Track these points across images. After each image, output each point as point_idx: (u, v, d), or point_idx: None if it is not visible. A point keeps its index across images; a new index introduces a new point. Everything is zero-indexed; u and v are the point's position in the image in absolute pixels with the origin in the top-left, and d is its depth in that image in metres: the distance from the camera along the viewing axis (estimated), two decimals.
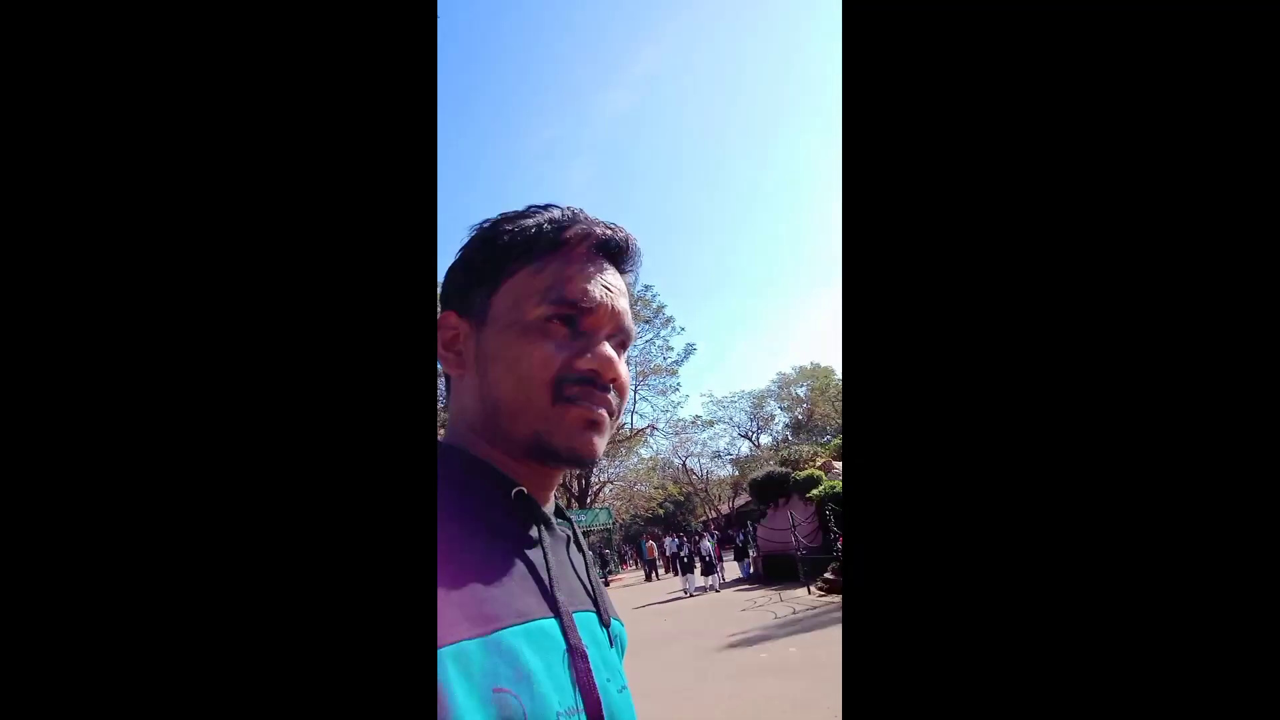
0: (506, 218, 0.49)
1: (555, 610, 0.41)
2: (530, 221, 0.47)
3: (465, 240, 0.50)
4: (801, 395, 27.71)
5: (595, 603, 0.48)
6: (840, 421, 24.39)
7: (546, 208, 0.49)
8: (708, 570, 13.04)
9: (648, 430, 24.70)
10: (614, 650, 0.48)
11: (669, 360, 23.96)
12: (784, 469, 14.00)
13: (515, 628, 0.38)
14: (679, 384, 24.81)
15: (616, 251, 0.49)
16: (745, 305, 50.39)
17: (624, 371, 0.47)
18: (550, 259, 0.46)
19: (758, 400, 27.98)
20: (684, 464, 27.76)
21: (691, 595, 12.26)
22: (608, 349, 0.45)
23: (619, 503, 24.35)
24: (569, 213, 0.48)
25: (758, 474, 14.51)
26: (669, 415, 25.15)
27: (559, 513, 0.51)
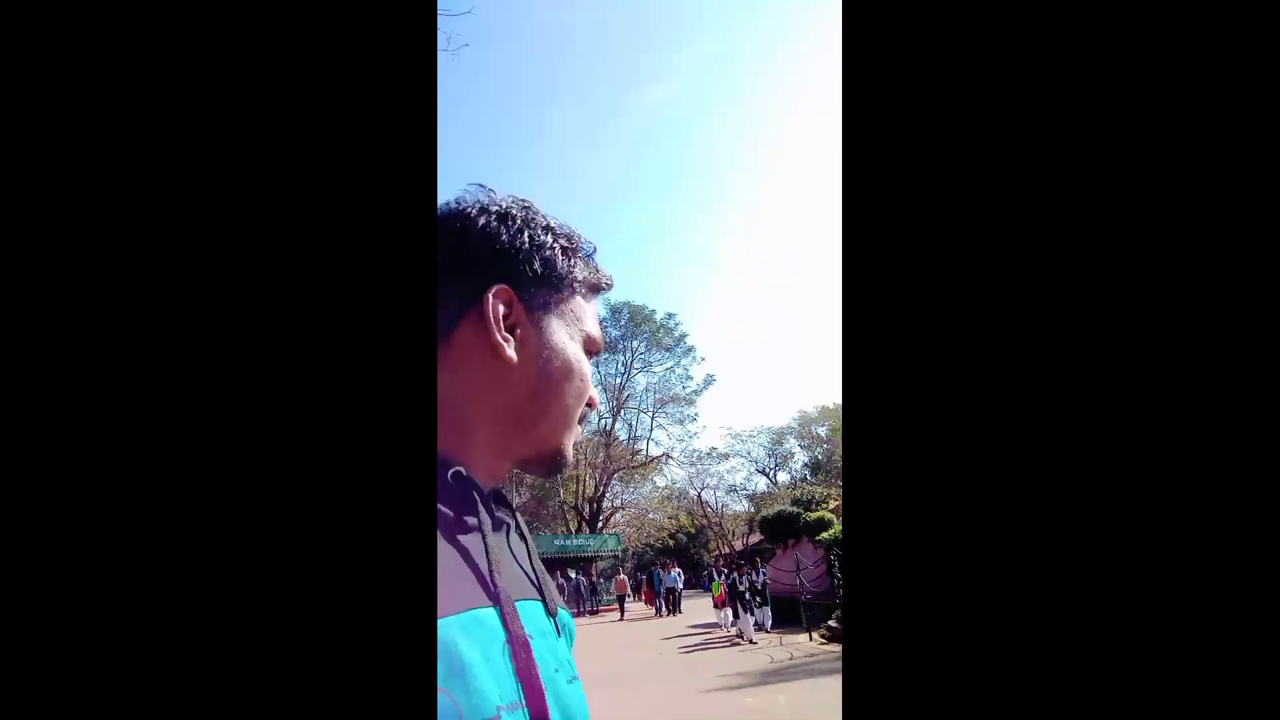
0: (562, 231, 0.50)
1: (495, 598, 0.39)
2: (580, 244, 0.51)
3: (511, 211, 0.48)
4: (822, 435, 27.21)
5: (540, 591, 0.47)
6: None
7: (570, 235, 0.50)
8: (746, 608, 10.29)
9: (662, 458, 24.52)
10: (562, 640, 0.47)
11: (688, 390, 23.91)
12: (795, 509, 13.71)
13: (449, 618, 0.36)
14: (697, 414, 24.73)
15: (599, 290, 0.54)
16: (769, 337, 50.10)
17: None
18: (587, 293, 0.51)
19: (777, 436, 27.58)
20: (699, 495, 27.41)
21: (751, 641, 9.59)
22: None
23: (630, 529, 24.09)
24: (590, 245, 0.53)
25: (769, 512, 14.24)
26: (685, 445, 24.97)
27: (498, 497, 0.49)
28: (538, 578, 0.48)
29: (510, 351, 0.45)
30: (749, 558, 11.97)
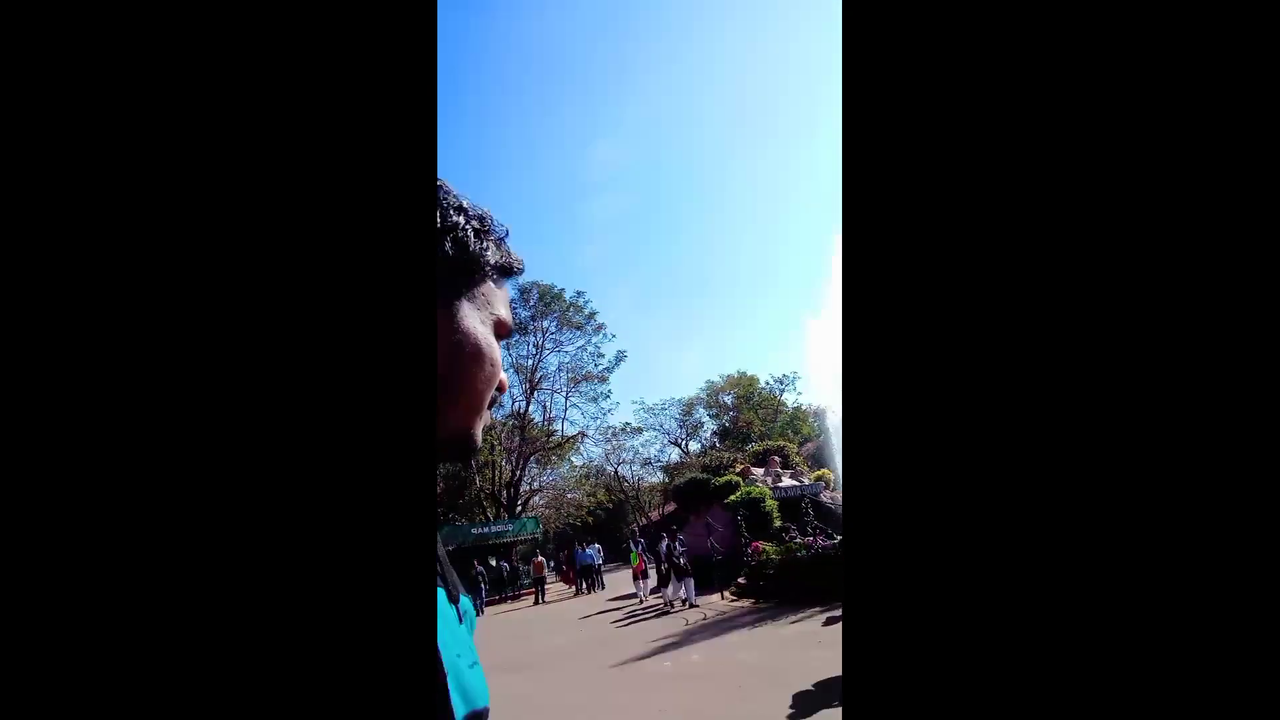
0: (474, 212, 0.50)
1: None
2: (492, 226, 0.51)
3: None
4: (729, 403, 28.41)
5: (443, 579, 0.48)
6: (762, 428, 25.13)
7: (482, 217, 0.51)
8: (680, 574, 10.16)
9: (579, 437, 24.61)
10: (463, 626, 0.49)
11: (600, 367, 24.03)
12: (705, 475, 14.33)
13: None
14: (609, 391, 24.93)
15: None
16: (680, 313, 51.23)
17: None
18: (498, 277, 0.52)
19: (687, 407, 28.46)
20: (616, 471, 27.84)
21: (693, 604, 9.61)
22: None
23: (549, 511, 24.09)
24: (503, 228, 0.52)
25: (681, 480, 14.78)
26: (599, 422, 25.17)
27: None
28: (440, 566, 0.50)
29: None
30: (666, 527, 12.30)
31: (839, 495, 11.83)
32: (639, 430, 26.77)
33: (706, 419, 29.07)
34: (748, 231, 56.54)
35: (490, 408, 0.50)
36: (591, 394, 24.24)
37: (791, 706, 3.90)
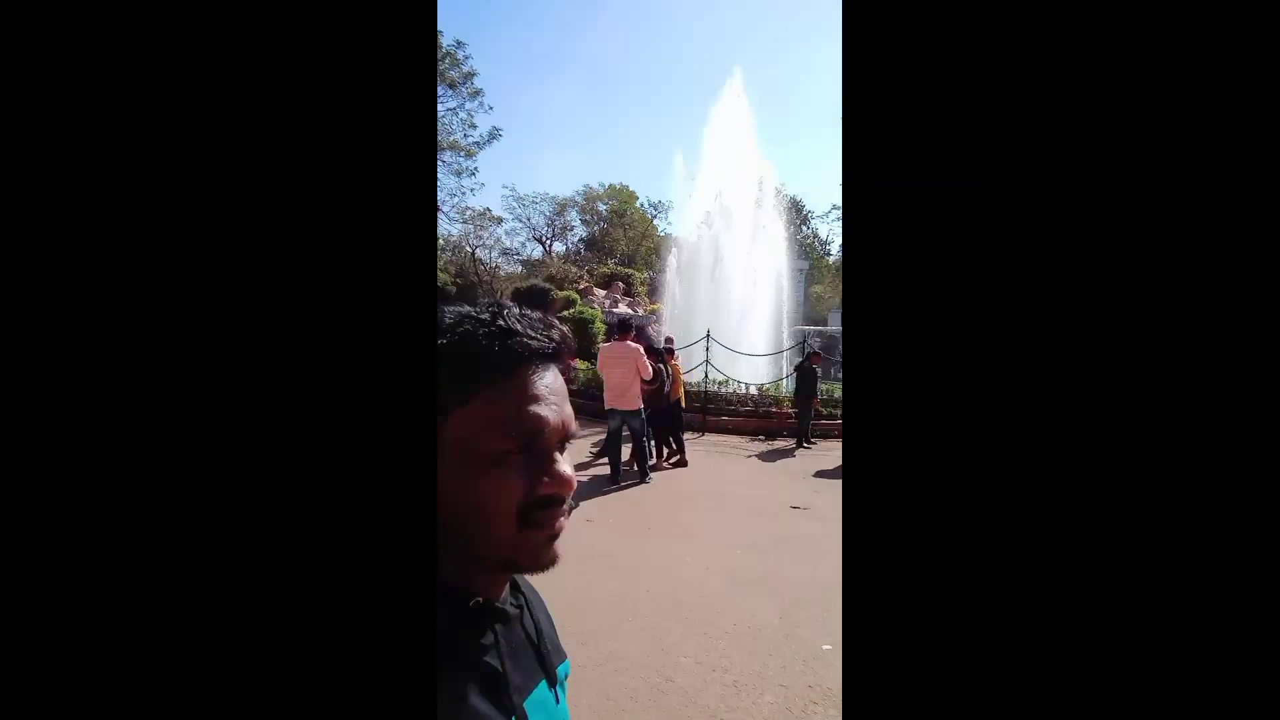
0: (449, 325, 0.46)
1: (510, 714, 0.45)
2: (472, 330, 0.45)
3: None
4: (603, 211, 27.80)
5: (544, 666, 0.51)
6: (627, 248, 25.32)
7: (476, 311, 0.47)
8: None
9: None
10: (560, 705, 0.53)
11: (469, 139, 21.68)
12: (547, 284, 14.47)
13: None
14: (476, 168, 22.89)
15: (555, 354, 0.48)
16: (575, 111, 46.38)
17: (572, 473, 0.48)
18: (498, 384, 0.45)
19: (560, 207, 27.41)
20: (474, 254, 26.89)
21: None
22: (564, 466, 0.46)
23: None
24: (505, 318, 0.46)
25: (523, 285, 14.80)
26: (457, 200, 23.47)
27: (513, 585, 0.52)
28: (543, 651, 0.53)
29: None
30: None
31: (663, 327, 12.74)
32: (497, 219, 25.55)
33: (577, 223, 28.46)
34: (646, 45, 50.44)
35: (540, 522, 0.45)
36: (455, 166, 22.14)
37: None
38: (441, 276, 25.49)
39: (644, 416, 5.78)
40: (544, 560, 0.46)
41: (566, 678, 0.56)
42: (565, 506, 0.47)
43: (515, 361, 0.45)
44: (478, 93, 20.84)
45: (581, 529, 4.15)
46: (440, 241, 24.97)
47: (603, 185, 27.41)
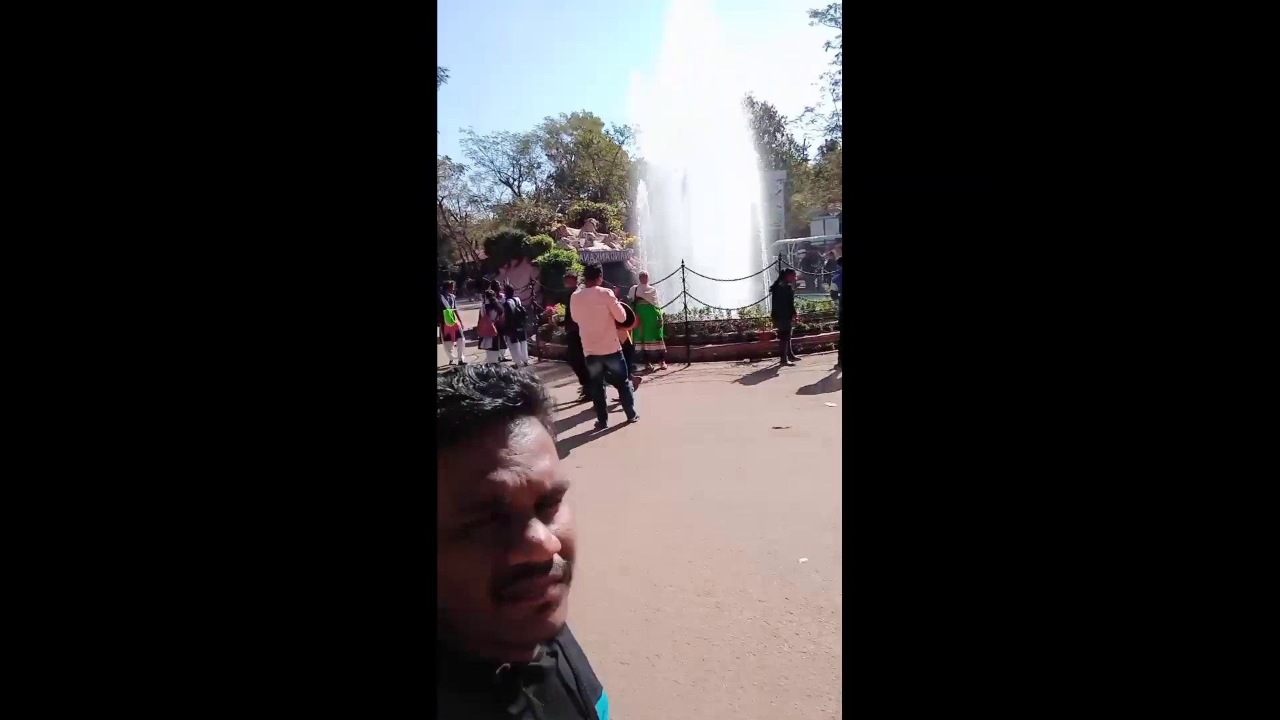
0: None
1: None
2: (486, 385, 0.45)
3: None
4: (568, 143, 26.73)
5: (584, 713, 0.51)
6: (598, 179, 24.53)
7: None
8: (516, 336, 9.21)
9: None
10: None
11: None
12: (519, 231, 14.16)
13: None
14: None
15: (520, 408, 0.46)
16: (524, 32, 43.31)
17: (564, 532, 0.45)
18: (454, 451, 0.42)
19: (523, 145, 26.32)
20: (440, 203, 26.06)
21: (526, 364, 9.09)
22: (536, 530, 0.42)
23: None
24: (456, 384, 0.44)
25: (494, 234, 14.48)
26: None
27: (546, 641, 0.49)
28: (584, 697, 0.52)
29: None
30: (481, 280, 12.27)
31: (641, 260, 12.57)
32: (459, 167, 24.57)
33: (544, 159, 27.42)
34: None
35: (511, 600, 0.43)
36: None
37: None
38: None
39: (623, 358, 5.84)
40: (533, 634, 0.44)
41: (607, 711, 0.55)
42: (553, 573, 0.44)
43: (465, 429, 0.43)
44: None
45: (573, 476, 4.31)
46: None
47: (565, 116, 26.21)
